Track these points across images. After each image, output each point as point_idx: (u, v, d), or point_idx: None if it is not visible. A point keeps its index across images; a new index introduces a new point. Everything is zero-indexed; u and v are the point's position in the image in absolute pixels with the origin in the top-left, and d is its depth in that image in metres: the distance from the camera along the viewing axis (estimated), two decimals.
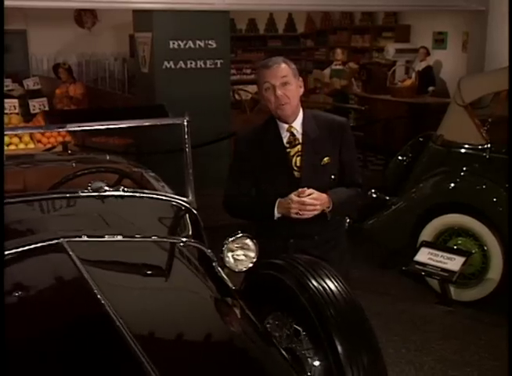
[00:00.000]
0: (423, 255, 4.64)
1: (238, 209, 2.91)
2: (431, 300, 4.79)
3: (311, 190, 2.65)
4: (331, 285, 2.07)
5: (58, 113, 4.84)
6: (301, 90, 2.78)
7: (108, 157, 3.59)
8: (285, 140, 2.80)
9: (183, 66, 7.57)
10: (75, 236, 1.98)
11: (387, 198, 5.01)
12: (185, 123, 2.85)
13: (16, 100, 8.24)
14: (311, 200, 2.63)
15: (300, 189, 2.65)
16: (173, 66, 7.54)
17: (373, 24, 12.51)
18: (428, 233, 4.80)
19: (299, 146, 2.79)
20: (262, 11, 11.38)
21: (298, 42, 13.94)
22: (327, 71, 11.25)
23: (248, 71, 11.34)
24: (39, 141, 7.48)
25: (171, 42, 7.44)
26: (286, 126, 2.79)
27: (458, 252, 4.58)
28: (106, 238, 2.05)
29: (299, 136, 2.79)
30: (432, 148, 4.97)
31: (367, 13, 12.45)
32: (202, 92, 7.64)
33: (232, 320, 2.04)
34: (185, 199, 2.79)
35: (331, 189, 2.78)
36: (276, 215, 2.72)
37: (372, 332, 2.10)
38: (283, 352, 1.95)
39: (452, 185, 4.72)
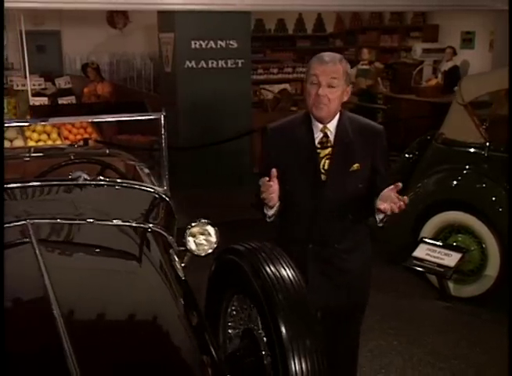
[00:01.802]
0: (422, 251, 4.72)
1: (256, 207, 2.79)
2: (432, 296, 4.86)
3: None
4: (283, 272, 2.20)
5: (44, 108, 5.07)
6: (345, 98, 2.64)
7: (107, 151, 3.80)
8: (317, 140, 2.68)
9: (204, 65, 7.77)
10: (39, 218, 2.17)
11: None
12: (162, 118, 2.99)
13: (45, 98, 8.62)
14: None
15: None
16: (194, 66, 7.74)
17: (401, 24, 12.52)
18: (429, 229, 4.88)
19: (330, 149, 2.67)
20: (282, 11, 11.50)
21: (327, 42, 13.99)
22: (353, 71, 11.30)
23: (275, 71, 11.48)
24: (66, 138, 7.81)
25: (192, 42, 7.66)
26: (320, 126, 2.66)
27: (455, 249, 4.66)
28: (67, 221, 2.23)
29: (332, 138, 2.67)
30: (434, 146, 5.06)
31: (396, 13, 12.47)
32: (223, 91, 7.83)
33: (169, 308, 2.12)
34: (159, 189, 2.95)
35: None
36: (266, 212, 2.65)
37: (316, 320, 2.22)
38: (211, 346, 2.06)
39: (452, 183, 4.79)
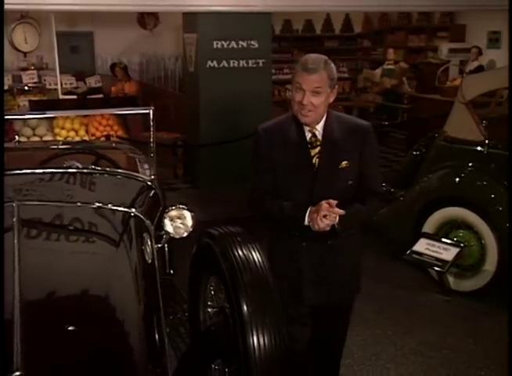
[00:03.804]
0: (421, 246, 4.85)
1: (265, 214, 2.84)
2: (432, 290, 4.98)
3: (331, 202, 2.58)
4: (249, 255, 2.39)
5: (43, 102, 5.36)
6: (331, 99, 2.69)
7: (114, 145, 4.05)
8: (307, 139, 2.74)
9: (226, 65, 7.98)
10: (26, 200, 2.40)
11: (392, 190, 5.24)
12: (151, 112, 3.21)
13: (75, 96, 8.99)
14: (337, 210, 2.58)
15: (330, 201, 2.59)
16: (216, 66, 7.96)
17: (429, 24, 12.53)
18: (431, 224, 5.00)
19: (319, 148, 2.73)
20: (303, 12, 11.63)
21: (355, 42, 14.09)
22: (379, 70, 11.42)
23: None
24: (93, 135, 8.15)
25: (214, 42, 7.87)
26: (308, 127, 2.73)
27: (454, 243, 4.77)
28: (52, 203, 2.47)
29: (320, 137, 2.73)
30: (437, 144, 5.18)
31: (424, 13, 12.48)
32: (244, 89, 8.03)
33: (123, 290, 2.27)
34: (146, 177, 3.17)
35: (346, 204, 2.67)
36: (306, 223, 2.65)
37: (277, 300, 2.39)
38: (156, 330, 2.24)
39: (453, 179, 4.91)
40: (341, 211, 2.58)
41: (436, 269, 4.78)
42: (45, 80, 9.69)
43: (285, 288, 2.74)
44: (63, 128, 8.11)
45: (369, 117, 10.87)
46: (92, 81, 10.14)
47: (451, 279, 4.89)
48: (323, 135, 2.73)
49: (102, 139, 6.76)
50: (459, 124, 4.94)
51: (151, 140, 3.29)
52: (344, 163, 2.71)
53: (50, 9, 7.99)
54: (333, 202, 2.59)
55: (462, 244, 4.75)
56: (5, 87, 9.15)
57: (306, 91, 2.59)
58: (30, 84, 9.44)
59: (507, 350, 3.17)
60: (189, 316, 2.83)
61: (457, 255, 4.69)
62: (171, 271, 4.05)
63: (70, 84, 9.98)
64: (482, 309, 4.68)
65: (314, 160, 2.72)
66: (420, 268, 5.15)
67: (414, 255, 4.85)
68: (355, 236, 2.89)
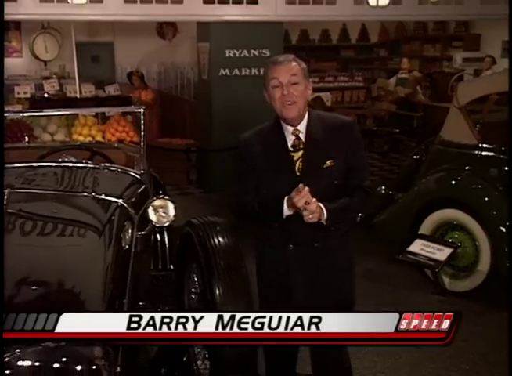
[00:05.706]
0: (416, 246, 4.98)
1: (243, 209, 2.78)
2: (428, 290, 5.10)
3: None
4: (224, 243, 2.57)
5: (41, 101, 5.67)
6: (309, 92, 2.70)
7: (116, 145, 4.30)
8: (289, 144, 2.71)
9: (238, 73, 8.21)
10: (18, 188, 2.61)
11: (391, 193, 5.39)
12: (142, 112, 3.41)
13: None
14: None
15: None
16: (228, 74, 8.19)
17: (444, 33, 12.64)
18: (427, 226, 5.13)
19: (303, 151, 2.70)
20: (315, 22, 11.82)
21: (371, 52, 14.24)
22: (393, 80, 11.54)
23: (316, 80, 11.78)
24: (109, 140, 8.42)
25: (227, 51, 8.11)
26: (291, 129, 2.70)
27: (447, 244, 4.89)
28: (42, 191, 2.68)
29: (304, 140, 2.70)
30: (434, 148, 5.32)
31: (439, 23, 12.58)
32: (256, 97, 8.14)
33: (96, 271, 2.47)
34: (136, 172, 3.38)
35: (331, 201, 2.63)
36: (287, 212, 2.63)
37: (247, 284, 2.55)
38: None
39: (449, 182, 5.04)
40: (306, 188, 2.53)
41: (430, 269, 4.90)
42: (66, 88, 10.01)
43: (274, 295, 2.70)
44: (80, 134, 8.40)
45: (382, 126, 10.99)
46: (111, 89, 10.39)
47: (446, 279, 5.00)
48: (306, 136, 2.70)
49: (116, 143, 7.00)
50: (454, 128, 5.08)
51: (142, 138, 3.50)
52: (329, 162, 2.69)
53: (69, 19, 8.31)
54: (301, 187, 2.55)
55: (455, 245, 4.86)
56: (27, 95, 9.49)
57: (283, 83, 2.61)
58: (50, 92, 9.74)
59: (508, 350, 3.28)
60: (175, 302, 3.00)
61: (450, 256, 4.80)
62: (171, 266, 4.23)
63: (90, 92, 10.27)
64: (475, 309, 4.76)
65: (298, 165, 2.71)
66: (416, 268, 5.27)
67: (409, 256, 4.98)
68: (344, 238, 2.82)
